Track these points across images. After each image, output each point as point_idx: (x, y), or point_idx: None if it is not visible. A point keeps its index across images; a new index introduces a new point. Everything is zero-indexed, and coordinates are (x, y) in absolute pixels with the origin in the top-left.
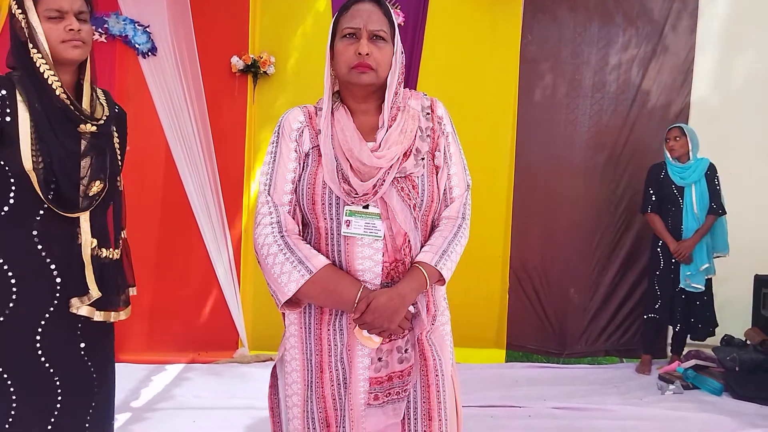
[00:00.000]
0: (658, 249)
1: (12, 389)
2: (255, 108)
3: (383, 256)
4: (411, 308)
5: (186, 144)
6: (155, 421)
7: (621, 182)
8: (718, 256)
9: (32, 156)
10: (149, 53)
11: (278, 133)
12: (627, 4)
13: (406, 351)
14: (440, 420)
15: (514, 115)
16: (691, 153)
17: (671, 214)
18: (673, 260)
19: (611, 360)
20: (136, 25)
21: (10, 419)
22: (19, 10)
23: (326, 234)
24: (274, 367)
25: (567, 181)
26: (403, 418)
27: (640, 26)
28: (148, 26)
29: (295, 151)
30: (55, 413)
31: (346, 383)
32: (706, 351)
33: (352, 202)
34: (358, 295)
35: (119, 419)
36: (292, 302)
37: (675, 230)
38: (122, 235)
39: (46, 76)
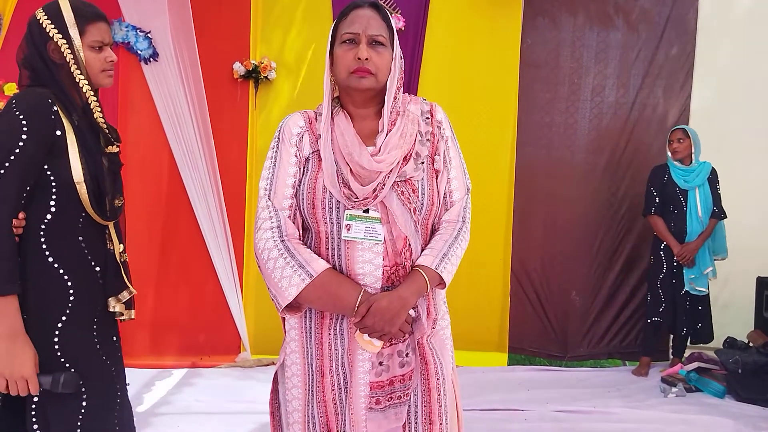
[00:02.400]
0: (661, 252)
1: (84, 388)
2: (257, 113)
3: (384, 260)
4: (411, 312)
5: (188, 149)
6: (158, 426)
7: (621, 185)
8: (717, 259)
9: (82, 168)
10: (151, 59)
11: (278, 138)
12: (627, 7)
13: (407, 355)
14: (441, 423)
15: (514, 118)
16: (693, 155)
17: (674, 217)
18: (675, 264)
19: (614, 363)
20: (138, 31)
21: (81, 415)
22: (60, 35)
23: (326, 238)
24: (276, 372)
25: (567, 184)
26: (404, 422)
27: (639, 29)
28: (150, 32)
29: (296, 155)
30: (117, 406)
31: (347, 388)
32: (709, 353)
33: (353, 207)
34: (359, 298)
35: None
36: (293, 307)
37: (679, 233)
38: None
39: (90, 100)
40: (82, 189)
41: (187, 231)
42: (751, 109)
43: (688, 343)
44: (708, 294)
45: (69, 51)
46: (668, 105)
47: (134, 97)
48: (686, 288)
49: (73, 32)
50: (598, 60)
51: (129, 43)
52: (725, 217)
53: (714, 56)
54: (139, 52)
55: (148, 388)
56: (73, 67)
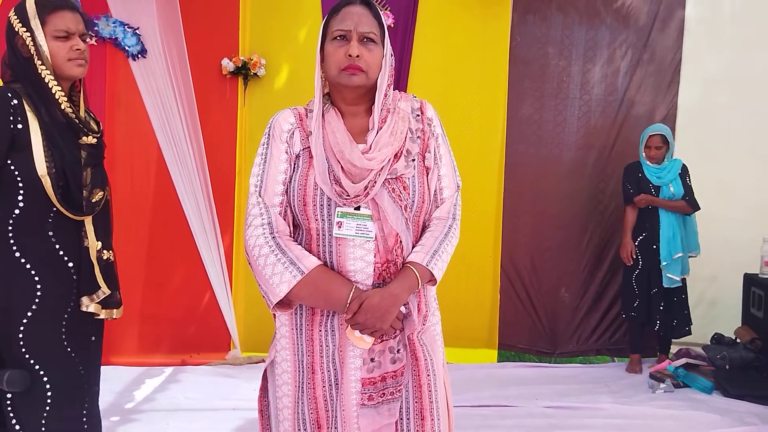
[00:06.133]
0: (636, 248)
1: (48, 385)
2: (246, 110)
3: (375, 256)
4: (402, 308)
5: (177, 146)
6: (147, 423)
7: (610, 182)
8: (691, 256)
9: (45, 162)
10: (139, 55)
11: (269, 134)
12: (616, 5)
13: (398, 351)
14: (432, 419)
15: (503, 115)
16: (666, 156)
17: (648, 212)
18: (649, 259)
19: (602, 359)
20: (125, 27)
21: (46, 413)
22: (24, 28)
23: (318, 235)
24: (266, 369)
25: (556, 181)
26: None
27: (628, 27)
28: (138, 28)
29: (286, 152)
30: (86, 404)
31: (337, 384)
32: (697, 349)
33: (344, 204)
34: (350, 295)
35: (111, 421)
36: (284, 303)
37: (653, 228)
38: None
39: (53, 90)
40: (46, 182)
41: (176, 228)
42: (737, 106)
43: (672, 339)
44: (684, 287)
45: (32, 43)
46: (656, 103)
47: (122, 94)
48: (664, 284)
49: (34, 23)
50: (586, 58)
51: (117, 39)
52: (698, 208)
53: (701, 55)
54: (127, 48)
55: (138, 385)
56: (36, 58)
